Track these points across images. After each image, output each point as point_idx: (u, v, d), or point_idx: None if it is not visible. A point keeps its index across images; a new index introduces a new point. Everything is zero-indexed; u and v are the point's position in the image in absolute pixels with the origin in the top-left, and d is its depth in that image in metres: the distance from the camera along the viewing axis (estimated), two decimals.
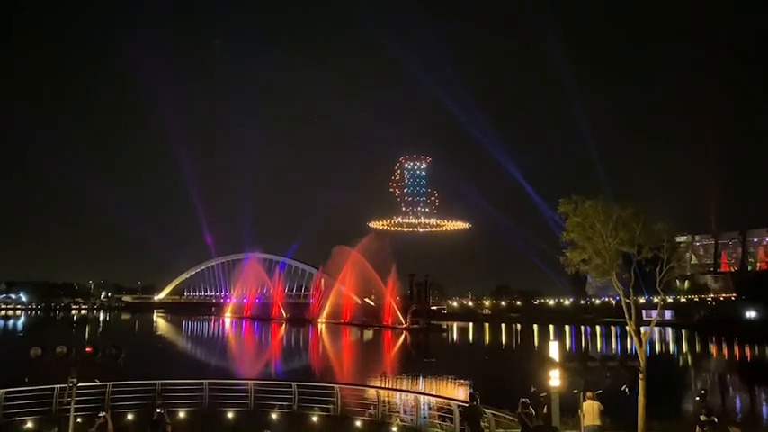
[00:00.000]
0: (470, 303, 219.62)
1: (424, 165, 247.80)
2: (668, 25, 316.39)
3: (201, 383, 25.52)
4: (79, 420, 19.88)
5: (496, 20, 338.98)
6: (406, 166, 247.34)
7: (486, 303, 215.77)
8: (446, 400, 26.37)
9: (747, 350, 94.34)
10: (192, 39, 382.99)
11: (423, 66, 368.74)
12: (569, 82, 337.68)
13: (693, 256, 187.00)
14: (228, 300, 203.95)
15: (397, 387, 44.20)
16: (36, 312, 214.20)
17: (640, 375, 21.87)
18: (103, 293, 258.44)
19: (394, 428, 23.49)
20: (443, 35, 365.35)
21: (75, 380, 17.22)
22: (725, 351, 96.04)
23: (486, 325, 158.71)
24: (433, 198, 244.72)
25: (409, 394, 32.07)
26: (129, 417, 22.77)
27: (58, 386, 21.86)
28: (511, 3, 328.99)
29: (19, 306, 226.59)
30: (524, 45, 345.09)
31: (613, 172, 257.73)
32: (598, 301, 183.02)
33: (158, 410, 19.35)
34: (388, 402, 27.55)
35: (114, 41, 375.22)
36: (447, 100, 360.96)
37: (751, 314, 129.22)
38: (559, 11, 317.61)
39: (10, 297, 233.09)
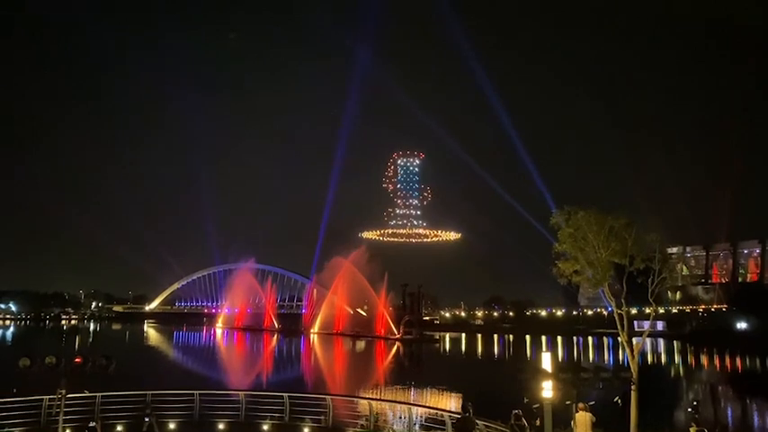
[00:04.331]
0: (463, 314, 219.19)
1: (417, 161, 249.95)
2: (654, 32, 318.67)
3: (192, 394, 25.33)
4: None
5: (489, 24, 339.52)
6: (399, 161, 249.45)
7: (479, 314, 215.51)
8: (438, 412, 26.27)
9: (738, 361, 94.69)
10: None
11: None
12: (563, 92, 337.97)
13: (685, 268, 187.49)
14: (220, 310, 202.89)
15: (389, 398, 44.01)
16: (25, 322, 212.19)
17: (632, 387, 21.91)
18: (94, 303, 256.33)
19: None
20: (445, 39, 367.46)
21: (63, 391, 17.08)
22: (716, 362, 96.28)
23: (479, 336, 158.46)
24: (425, 194, 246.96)
25: (401, 405, 31.92)
26: (119, 428, 22.57)
27: (47, 397, 21.65)
28: (510, 6, 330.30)
29: (8, 316, 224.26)
30: (515, 52, 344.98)
31: (605, 182, 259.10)
32: (590, 312, 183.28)
33: (147, 420, 19.23)
34: (380, 413, 27.42)
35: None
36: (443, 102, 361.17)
37: (742, 325, 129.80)
38: (558, 14, 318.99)
39: None
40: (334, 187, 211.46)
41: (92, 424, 18.52)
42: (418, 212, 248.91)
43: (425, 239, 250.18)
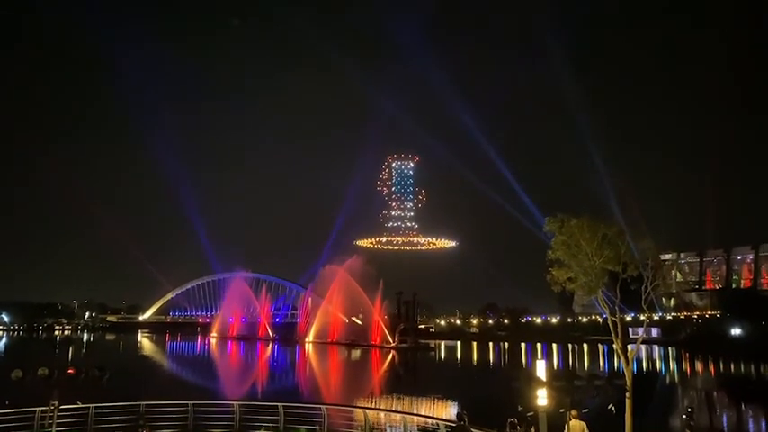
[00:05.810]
0: (458, 322, 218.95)
1: (412, 164, 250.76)
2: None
3: (186, 404, 25.21)
4: None
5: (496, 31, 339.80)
6: (393, 165, 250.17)
7: (474, 322, 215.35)
8: (433, 420, 26.23)
9: (733, 367, 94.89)
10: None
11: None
12: (560, 94, 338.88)
13: (678, 274, 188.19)
14: (214, 319, 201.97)
15: (385, 407, 43.91)
16: (18, 333, 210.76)
17: (627, 394, 21.94)
18: (88, 313, 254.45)
19: None
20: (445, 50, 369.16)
21: (56, 402, 17.00)
22: (711, 368, 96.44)
23: (474, 343, 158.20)
24: (420, 197, 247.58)
25: (396, 414, 31.85)
26: None
27: (40, 409, 21.50)
28: (511, 15, 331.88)
29: (0, 327, 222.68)
30: (522, 58, 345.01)
31: (598, 187, 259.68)
32: (585, 319, 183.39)
33: (141, 430, 19.15)
34: (375, 422, 27.34)
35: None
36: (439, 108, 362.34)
37: (736, 331, 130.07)
38: (561, 23, 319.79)
39: None
40: (351, 194, 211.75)
41: None
42: (412, 214, 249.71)
43: (420, 247, 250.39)
